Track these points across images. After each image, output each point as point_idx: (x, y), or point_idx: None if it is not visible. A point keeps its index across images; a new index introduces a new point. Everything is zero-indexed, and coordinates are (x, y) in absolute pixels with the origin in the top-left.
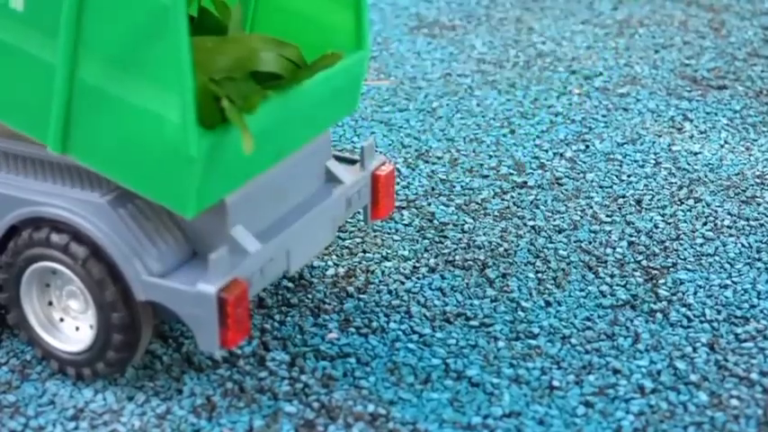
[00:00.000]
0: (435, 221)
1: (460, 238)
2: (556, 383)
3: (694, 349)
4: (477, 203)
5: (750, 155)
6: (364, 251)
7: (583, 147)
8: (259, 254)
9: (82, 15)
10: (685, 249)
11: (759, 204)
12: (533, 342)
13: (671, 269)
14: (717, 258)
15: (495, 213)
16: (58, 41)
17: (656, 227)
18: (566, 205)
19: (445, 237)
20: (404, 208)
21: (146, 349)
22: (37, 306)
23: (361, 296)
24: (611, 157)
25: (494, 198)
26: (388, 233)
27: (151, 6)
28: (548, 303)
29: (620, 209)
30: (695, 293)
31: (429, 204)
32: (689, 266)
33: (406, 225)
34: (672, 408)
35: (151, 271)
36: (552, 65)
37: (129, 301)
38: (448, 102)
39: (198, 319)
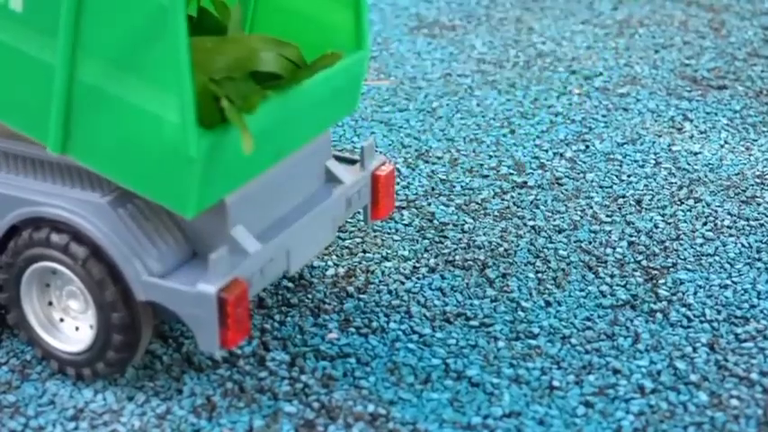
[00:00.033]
0: (435, 221)
1: (460, 238)
2: (556, 383)
3: (694, 349)
4: (477, 203)
5: (750, 155)
6: (364, 251)
7: (583, 147)
8: (259, 254)
9: (81, 16)
10: (685, 249)
11: (759, 204)
12: (533, 342)
13: (671, 269)
14: (717, 258)
15: (495, 213)
16: (57, 42)
17: (656, 227)
18: (566, 205)
19: (445, 237)
20: (404, 208)
21: (146, 349)
22: (37, 306)
23: (361, 296)
24: (611, 157)
25: (494, 198)
26: (388, 233)
27: (150, 7)
28: (548, 303)
29: (620, 209)
30: (695, 293)
31: (429, 204)
32: (689, 266)
33: (406, 225)
34: (672, 408)
35: (151, 271)
36: (552, 65)
37: (129, 302)
38: (448, 102)
39: (198, 319)
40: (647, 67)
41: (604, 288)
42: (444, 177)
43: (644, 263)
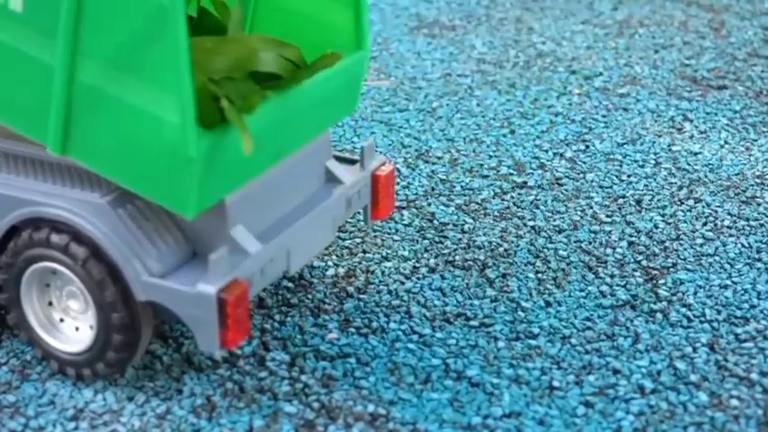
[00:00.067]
0: (435, 222)
1: (460, 239)
2: (556, 383)
3: (694, 349)
4: (477, 204)
5: (750, 155)
6: (364, 251)
7: (583, 147)
8: (259, 254)
9: (81, 17)
10: (685, 249)
11: (759, 204)
12: (533, 342)
13: (671, 269)
14: (717, 258)
15: (495, 213)
16: (56, 42)
17: (656, 227)
18: (566, 205)
19: (445, 237)
20: (404, 208)
21: (146, 349)
22: (37, 306)
23: (361, 296)
24: (611, 157)
25: (494, 198)
26: (388, 233)
27: (150, 8)
28: (548, 303)
29: (620, 209)
30: (695, 294)
31: (429, 204)
32: (689, 267)
33: (406, 225)
34: (672, 408)
35: (151, 271)
36: (552, 65)
37: (129, 302)
38: (448, 102)
39: (198, 319)
40: (647, 67)
41: (604, 288)
42: (444, 177)
43: (644, 263)
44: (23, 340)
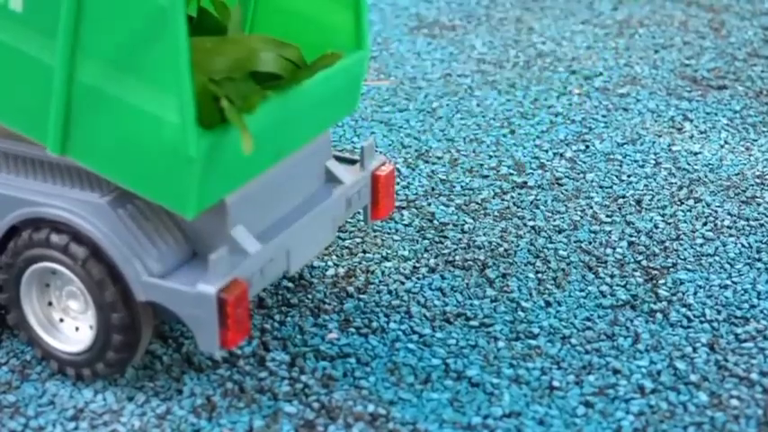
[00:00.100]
0: (435, 222)
1: (460, 239)
2: (556, 383)
3: (694, 349)
4: (477, 204)
5: (750, 155)
6: (364, 251)
7: (583, 147)
8: (259, 254)
9: (80, 17)
10: (685, 249)
11: (759, 204)
12: (533, 342)
13: (671, 269)
14: (717, 258)
15: (495, 213)
16: (56, 43)
17: (656, 227)
18: (566, 205)
19: (445, 237)
20: (404, 208)
21: (146, 350)
22: (37, 306)
23: (361, 296)
24: (611, 157)
25: (494, 198)
26: (388, 233)
27: (149, 8)
28: (548, 303)
29: (620, 209)
30: (695, 294)
31: (429, 204)
32: (689, 267)
33: (406, 225)
34: (672, 408)
35: (151, 271)
36: (552, 65)
37: (129, 302)
38: (448, 102)
39: (198, 319)
40: (647, 67)
41: (604, 288)
42: (444, 177)
43: (644, 263)
44: (23, 340)
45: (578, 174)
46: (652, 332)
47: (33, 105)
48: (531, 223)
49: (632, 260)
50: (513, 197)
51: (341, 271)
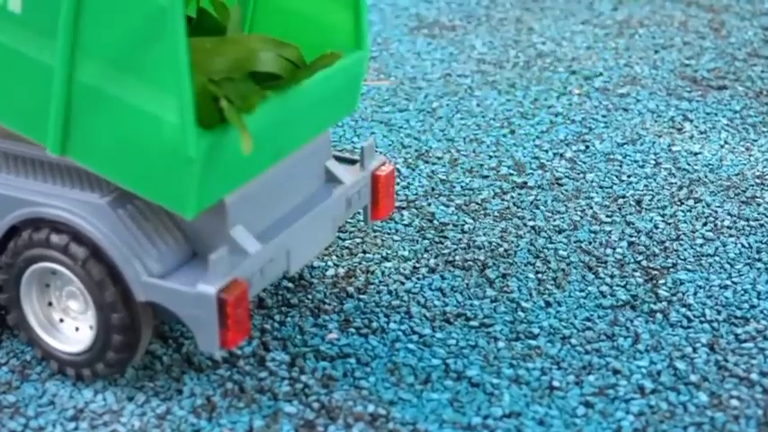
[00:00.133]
0: (435, 222)
1: (460, 239)
2: (556, 384)
3: (694, 350)
4: (477, 204)
5: (750, 155)
6: (364, 251)
7: (583, 147)
8: (259, 254)
9: (80, 17)
10: (685, 250)
11: (759, 205)
12: (533, 342)
13: (671, 269)
14: (717, 259)
15: (495, 214)
16: (56, 43)
17: (656, 227)
18: (566, 206)
19: (445, 237)
20: (404, 208)
21: (146, 350)
22: (37, 307)
23: (361, 296)
24: (611, 157)
25: (494, 198)
26: (388, 233)
27: (149, 8)
28: (548, 304)
29: (620, 209)
30: (695, 294)
31: (429, 205)
32: (689, 267)
33: (406, 225)
34: (672, 408)
35: (151, 272)
36: (552, 65)
37: (129, 302)
38: (448, 102)
39: (198, 319)
40: (647, 67)
41: (604, 288)
42: (444, 178)
43: (644, 263)
44: (23, 340)
45: (578, 174)
46: (652, 332)
47: (33, 106)
48: (531, 223)
49: (632, 260)
50: (513, 197)
51: (341, 271)
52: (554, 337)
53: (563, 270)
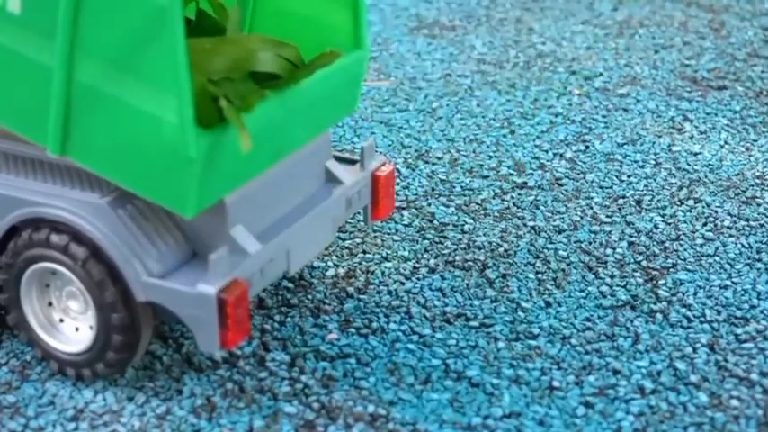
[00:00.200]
0: (435, 222)
1: (460, 239)
2: (556, 384)
3: (694, 350)
4: (477, 204)
5: (750, 155)
6: (364, 252)
7: (583, 147)
8: (259, 254)
9: (79, 17)
10: (685, 250)
11: (759, 205)
12: (533, 342)
13: (671, 270)
14: (717, 259)
15: (495, 214)
16: (55, 44)
17: (656, 227)
18: (566, 206)
19: (445, 237)
20: (404, 208)
21: (146, 350)
22: (37, 307)
23: (361, 297)
24: (611, 157)
25: (494, 198)
26: (388, 234)
27: (147, 8)
28: (548, 304)
29: (620, 209)
30: (695, 294)
31: (429, 205)
32: (689, 267)
33: (406, 225)
34: (672, 408)
35: (151, 272)
36: (552, 65)
37: (129, 302)
38: (448, 102)
39: (198, 319)
40: (647, 67)
41: (604, 288)
42: (444, 178)
43: (644, 263)
44: (23, 341)
45: (578, 174)
46: (652, 332)
47: (33, 107)
48: (531, 223)
49: (632, 260)
50: (513, 197)
51: (341, 271)
52: (554, 337)
53: (563, 270)
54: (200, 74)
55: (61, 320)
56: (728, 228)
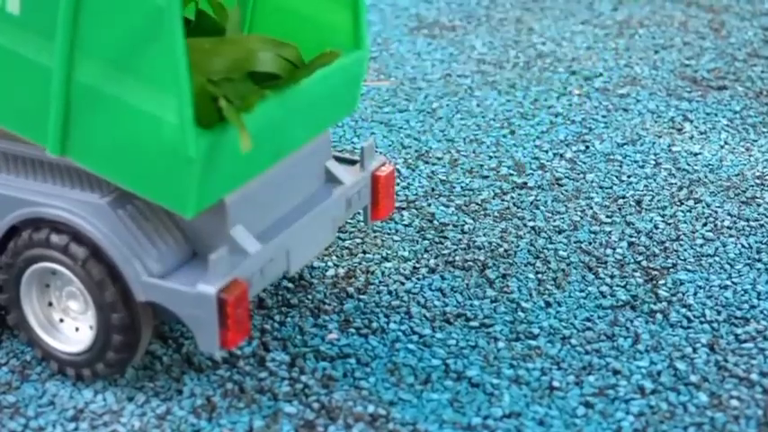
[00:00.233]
0: (435, 222)
1: (460, 239)
2: (556, 384)
3: (694, 350)
4: (477, 204)
5: (750, 155)
6: (364, 252)
7: (583, 147)
8: (259, 254)
9: (78, 18)
10: (685, 250)
11: (759, 205)
12: (533, 343)
13: (671, 270)
14: (717, 259)
15: (495, 214)
16: (54, 44)
17: (656, 227)
18: (566, 206)
19: (445, 237)
20: (404, 209)
21: (146, 350)
22: (37, 307)
23: (361, 297)
24: (611, 157)
25: (494, 199)
26: (388, 234)
27: (146, 8)
28: (548, 304)
29: (620, 209)
30: (695, 294)
31: (429, 205)
32: (689, 267)
33: (406, 226)
34: (672, 408)
35: (151, 272)
36: (552, 65)
37: (129, 302)
38: (448, 102)
39: (198, 319)
40: (647, 67)
41: (604, 289)
42: (444, 178)
43: (644, 263)
44: (23, 341)
45: (578, 174)
46: (652, 333)
47: (32, 107)
48: (531, 224)
49: (632, 261)
50: (513, 198)
51: (341, 271)
52: (554, 337)
53: (563, 270)
54: (200, 74)
55: (61, 320)
56: (728, 228)
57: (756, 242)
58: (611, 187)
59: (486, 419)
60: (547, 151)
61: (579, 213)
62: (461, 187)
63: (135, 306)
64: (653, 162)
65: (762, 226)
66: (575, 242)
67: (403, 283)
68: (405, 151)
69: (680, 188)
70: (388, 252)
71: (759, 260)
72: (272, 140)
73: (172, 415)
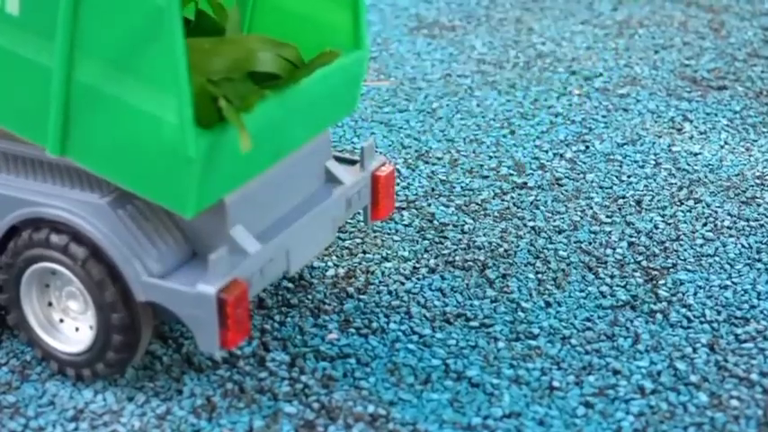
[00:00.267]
0: (435, 222)
1: (460, 239)
2: (556, 384)
3: (694, 350)
4: (477, 204)
5: (750, 155)
6: (364, 252)
7: (583, 147)
8: (259, 254)
9: (78, 18)
10: (685, 250)
11: (759, 205)
12: (533, 343)
13: (671, 270)
14: (717, 259)
15: (495, 214)
16: (54, 45)
17: (656, 227)
18: (566, 206)
19: (445, 237)
20: (404, 209)
21: (146, 350)
22: (37, 307)
23: (361, 297)
24: (611, 157)
25: (494, 199)
26: (388, 234)
27: (146, 8)
28: (548, 304)
29: (620, 209)
30: (695, 294)
31: (429, 205)
32: (689, 267)
33: (406, 226)
34: (672, 408)
35: (151, 272)
36: (552, 65)
37: (129, 302)
38: (448, 102)
39: (198, 319)
40: (647, 67)
41: (604, 289)
42: (444, 178)
43: (644, 263)
44: (23, 341)
45: (578, 174)
46: (652, 333)
47: (32, 107)
48: (531, 224)
49: (632, 260)
50: (513, 198)
51: (341, 271)
52: (554, 337)
53: (563, 270)
54: (200, 74)
55: (61, 320)
56: (728, 228)
57: (756, 242)
58: (611, 187)
59: (486, 419)
60: (547, 151)
61: (579, 213)
62: (461, 187)
63: (135, 306)
64: (653, 162)
65: (762, 226)
66: (575, 242)
67: (403, 283)
68: (405, 151)
69: (680, 188)
70: (388, 252)
71: (759, 260)
72: (272, 140)
73: (172, 415)
